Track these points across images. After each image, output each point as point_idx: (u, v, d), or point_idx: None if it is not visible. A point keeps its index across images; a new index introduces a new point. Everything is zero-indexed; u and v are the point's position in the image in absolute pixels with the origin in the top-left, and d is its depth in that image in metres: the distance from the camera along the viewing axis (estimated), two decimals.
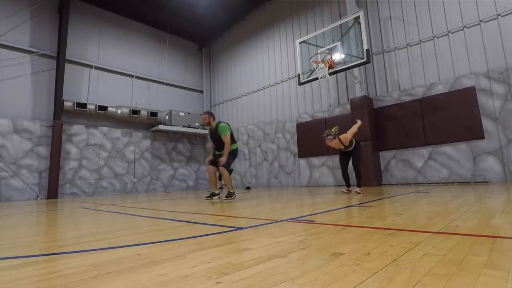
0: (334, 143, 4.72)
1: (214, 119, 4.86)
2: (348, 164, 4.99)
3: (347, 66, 7.08)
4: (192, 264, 1.17)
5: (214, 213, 3.06)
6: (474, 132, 6.15)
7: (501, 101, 5.93)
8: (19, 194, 8.14)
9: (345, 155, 5.00)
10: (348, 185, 5.01)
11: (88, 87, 9.95)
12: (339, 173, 8.27)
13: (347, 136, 4.68)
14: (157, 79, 11.86)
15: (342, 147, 4.77)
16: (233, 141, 4.82)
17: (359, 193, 4.64)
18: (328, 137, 4.72)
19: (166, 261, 1.23)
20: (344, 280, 0.91)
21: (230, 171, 5.01)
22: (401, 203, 3.03)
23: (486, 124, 6.05)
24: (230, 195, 4.67)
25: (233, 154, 4.81)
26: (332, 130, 4.78)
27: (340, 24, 7.30)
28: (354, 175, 4.89)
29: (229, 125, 4.86)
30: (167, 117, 11.11)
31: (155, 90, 11.77)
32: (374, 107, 7.71)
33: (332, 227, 1.88)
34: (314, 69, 7.48)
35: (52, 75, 9.12)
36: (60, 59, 8.97)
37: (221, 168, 4.71)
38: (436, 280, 0.87)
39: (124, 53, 11.09)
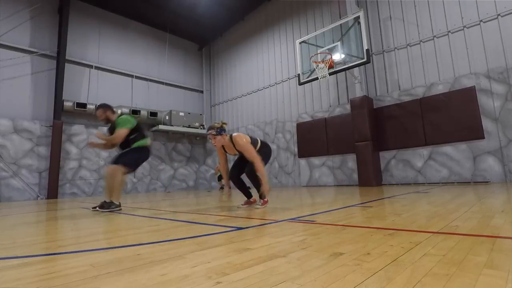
0: (218, 142, 3.25)
1: (113, 112, 3.88)
2: (242, 170, 3.48)
3: (347, 66, 7.08)
4: (192, 264, 1.16)
5: (214, 213, 3.06)
6: (474, 132, 6.14)
7: (501, 101, 5.93)
8: (19, 194, 8.13)
9: (239, 159, 3.54)
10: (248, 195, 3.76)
11: (88, 87, 9.95)
12: (339, 173, 8.27)
13: (244, 144, 3.21)
14: (157, 79, 11.86)
15: (235, 152, 3.39)
16: (140, 136, 3.84)
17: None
18: (210, 131, 3.24)
19: (166, 261, 1.23)
20: (344, 280, 0.90)
21: (132, 171, 3.86)
22: (401, 203, 3.03)
23: (486, 124, 6.05)
24: (108, 206, 3.54)
25: (138, 151, 3.80)
26: (217, 123, 3.29)
27: (340, 24, 7.30)
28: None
29: (134, 117, 3.70)
30: (167, 117, 11.11)
31: (155, 90, 11.77)
32: (374, 107, 7.71)
33: (332, 227, 1.88)
34: (314, 69, 7.47)
35: (52, 75, 9.12)
36: (60, 59, 8.97)
37: (110, 169, 3.55)
38: (436, 280, 0.87)
39: (124, 53, 11.09)
